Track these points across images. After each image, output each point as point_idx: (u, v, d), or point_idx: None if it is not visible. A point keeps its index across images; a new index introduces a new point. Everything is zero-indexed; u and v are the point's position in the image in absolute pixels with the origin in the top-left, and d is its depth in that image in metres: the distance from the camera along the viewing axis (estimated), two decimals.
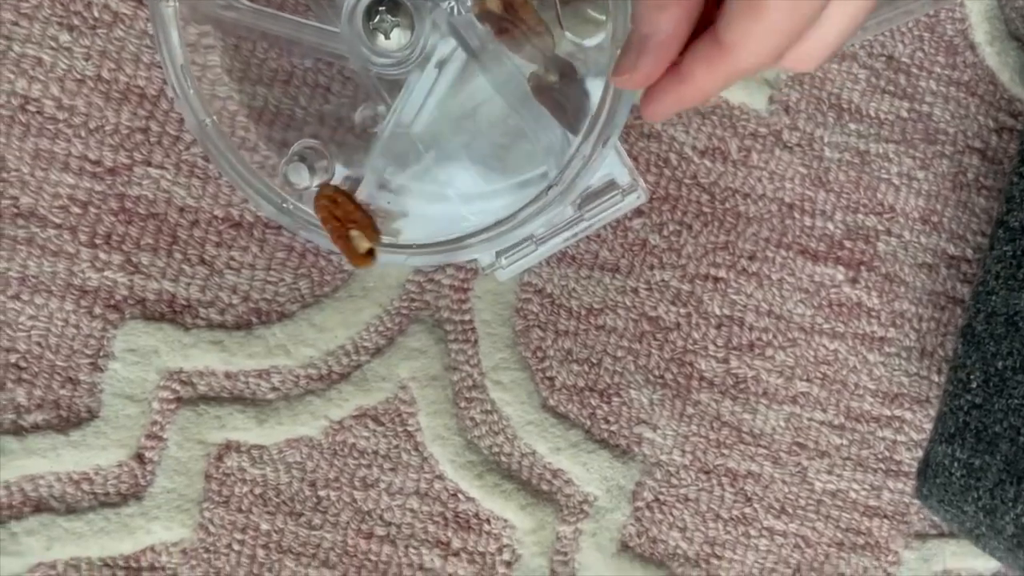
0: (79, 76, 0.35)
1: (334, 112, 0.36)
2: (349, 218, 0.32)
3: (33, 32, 0.35)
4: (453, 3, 0.30)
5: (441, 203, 0.35)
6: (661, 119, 0.28)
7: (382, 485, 0.38)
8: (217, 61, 0.35)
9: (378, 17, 0.30)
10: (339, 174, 0.34)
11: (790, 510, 0.42)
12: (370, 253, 0.33)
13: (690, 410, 0.41)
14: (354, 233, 0.32)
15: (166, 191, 0.36)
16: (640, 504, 0.40)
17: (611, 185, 0.35)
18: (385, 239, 0.34)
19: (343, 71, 0.36)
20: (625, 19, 0.29)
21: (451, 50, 0.32)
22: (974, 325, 0.36)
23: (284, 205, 0.34)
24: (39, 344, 0.36)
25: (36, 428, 0.36)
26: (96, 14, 0.35)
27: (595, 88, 0.31)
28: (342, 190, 0.32)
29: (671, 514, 0.41)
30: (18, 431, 0.35)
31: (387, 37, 0.30)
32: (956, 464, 0.34)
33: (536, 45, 0.31)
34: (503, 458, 0.39)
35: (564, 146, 0.33)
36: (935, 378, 0.42)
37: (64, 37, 0.35)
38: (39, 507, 0.36)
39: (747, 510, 0.41)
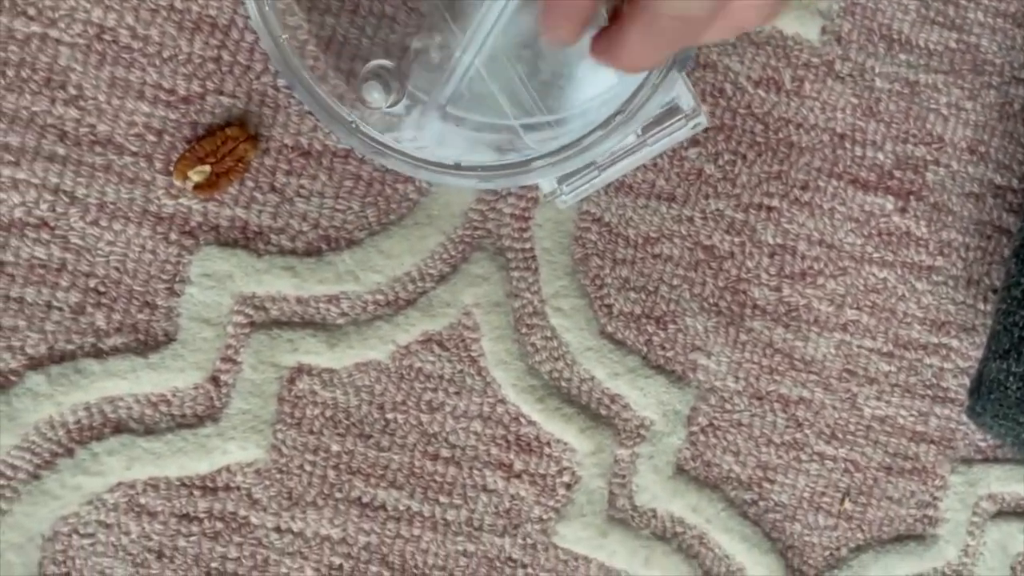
0: (153, 6, 0.36)
1: (399, 42, 0.37)
2: None
3: None
4: None
5: (504, 132, 0.36)
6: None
7: (447, 408, 0.39)
8: None
9: None
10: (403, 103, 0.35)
11: (840, 435, 0.43)
12: None
13: (743, 337, 0.42)
14: None
15: (238, 119, 0.37)
16: (695, 429, 0.41)
17: (673, 110, 0.35)
18: (451, 162, 0.35)
19: (408, 0, 0.37)
20: None
21: None
22: None
23: (354, 127, 0.34)
24: (117, 269, 0.37)
25: (115, 351, 0.37)
26: None
27: None
28: None
29: (725, 439, 0.42)
30: (98, 354, 0.37)
31: None
32: (1012, 378, 0.35)
33: None
34: (563, 383, 0.40)
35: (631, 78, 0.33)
36: (981, 306, 0.43)
37: None
38: (119, 428, 0.37)
39: (798, 435, 0.42)
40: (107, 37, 0.36)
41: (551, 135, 0.36)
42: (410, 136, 0.35)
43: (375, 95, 0.33)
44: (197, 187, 0.36)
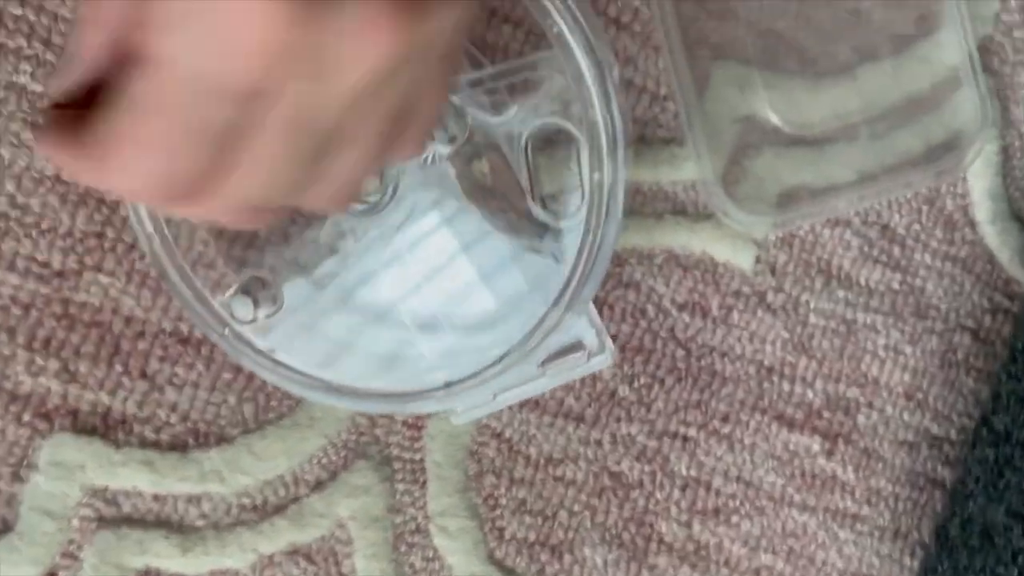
0: (37, 175, 0.34)
1: (299, 232, 0.35)
2: None
3: None
4: (427, 154, 0.29)
5: (395, 337, 0.34)
6: None
7: None
8: None
9: None
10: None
11: None
12: None
13: (646, 574, 0.38)
14: None
15: (114, 299, 0.34)
16: None
17: (577, 345, 0.33)
18: (333, 380, 0.33)
19: None
20: (601, 203, 0.28)
21: (424, 199, 0.31)
22: (949, 528, 0.34)
23: (224, 332, 0.32)
24: None
25: None
26: None
27: (568, 253, 0.30)
28: None
29: None
30: None
31: None
32: None
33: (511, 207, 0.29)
34: None
35: (531, 306, 0.31)
36: (907, 561, 0.40)
37: (26, 134, 0.33)
38: None
39: None
40: None
41: (444, 345, 0.33)
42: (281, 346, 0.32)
43: (246, 308, 0.31)
44: None
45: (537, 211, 0.29)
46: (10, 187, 0.34)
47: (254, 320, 0.31)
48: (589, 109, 0.26)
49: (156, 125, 0.16)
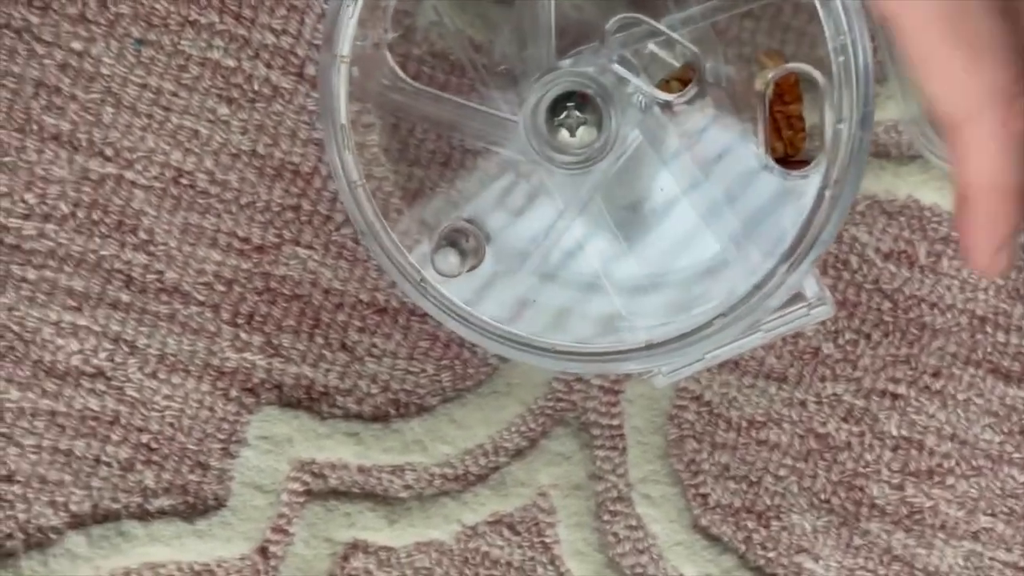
0: (234, 150, 0.34)
1: (492, 195, 0.34)
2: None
3: (192, 103, 0.34)
4: (640, 96, 0.28)
5: (598, 297, 0.32)
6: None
7: None
8: (375, 140, 0.33)
9: (565, 113, 0.27)
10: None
11: None
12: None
13: (858, 540, 0.36)
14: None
15: (312, 272, 0.34)
16: None
17: (796, 297, 0.31)
18: (537, 340, 0.32)
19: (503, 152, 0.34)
20: (848, 146, 0.26)
21: (632, 141, 0.29)
22: None
23: (422, 284, 0.31)
24: (172, 425, 0.34)
25: (162, 514, 0.34)
26: (256, 87, 0.34)
27: (804, 200, 0.28)
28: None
29: None
30: (144, 516, 0.34)
31: (572, 134, 0.28)
32: None
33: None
34: None
35: (751, 260, 0.29)
36: None
37: (222, 110, 0.34)
38: None
39: None
40: (184, 181, 0.34)
41: (648, 304, 0.32)
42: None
43: (450, 261, 0.29)
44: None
45: (772, 167, 0.27)
46: (209, 163, 0.34)
47: (459, 273, 0.30)
48: (840, 38, 0.24)
49: None
